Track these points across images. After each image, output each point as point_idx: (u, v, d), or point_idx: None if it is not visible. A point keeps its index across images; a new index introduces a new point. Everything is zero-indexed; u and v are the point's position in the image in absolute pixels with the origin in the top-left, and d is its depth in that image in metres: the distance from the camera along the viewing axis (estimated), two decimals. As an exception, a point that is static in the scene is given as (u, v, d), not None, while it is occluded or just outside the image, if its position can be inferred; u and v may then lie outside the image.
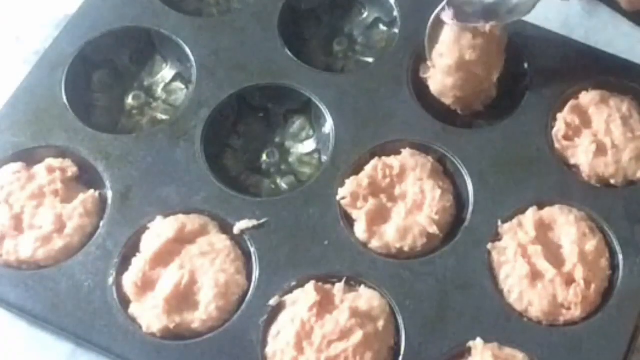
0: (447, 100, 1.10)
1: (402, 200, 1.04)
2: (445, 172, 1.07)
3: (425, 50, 1.09)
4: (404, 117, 1.09)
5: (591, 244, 1.00)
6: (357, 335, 0.94)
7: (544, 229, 1.01)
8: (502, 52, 1.10)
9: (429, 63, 1.10)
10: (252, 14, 1.18)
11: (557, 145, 1.07)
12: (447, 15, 1.07)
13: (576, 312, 0.97)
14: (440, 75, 1.08)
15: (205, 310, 0.98)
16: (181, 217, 1.03)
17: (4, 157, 1.08)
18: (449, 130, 1.08)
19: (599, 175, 1.05)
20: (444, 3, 1.06)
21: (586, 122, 1.07)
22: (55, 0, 1.25)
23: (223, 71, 1.13)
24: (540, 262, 0.99)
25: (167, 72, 1.18)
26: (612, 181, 1.05)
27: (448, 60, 1.07)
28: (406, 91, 1.11)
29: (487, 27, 1.06)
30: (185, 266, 1.00)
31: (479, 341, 0.95)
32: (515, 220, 1.02)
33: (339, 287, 0.98)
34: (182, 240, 1.01)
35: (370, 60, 1.19)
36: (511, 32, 1.13)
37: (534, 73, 1.11)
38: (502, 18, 1.06)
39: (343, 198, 1.03)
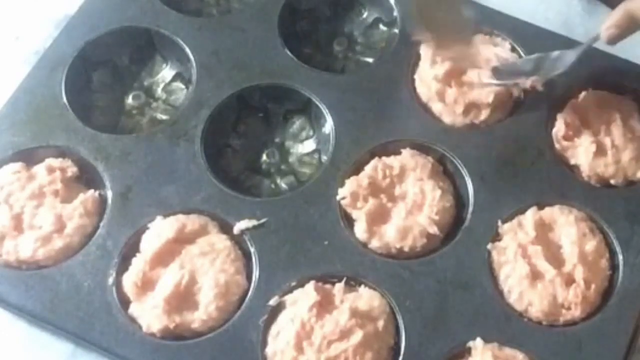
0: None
1: (402, 201, 1.04)
2: (445, 172, 1.07)
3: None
4: (404, 117, 1.09)
5: (591, 244, 1.00)
6: (357, 336, 0.94)
7: (544, 229, 1.01)
8: None
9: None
10: (252, 14, 1.18)
11: (557, 146, 1.07)
12: (485, 75, 1.06)
13: (576, 312, 0.97)
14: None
15: (205, 310, 0.98)
16: (181, 217, 1.03)
17: (4, 157, 1.08)
18: (449, 130, 1.09)
19: (598, 176, 1.05)
20: None
21: (586, 122, 1.07)
22: (55, 0, 1.25)
23: (223, 71, 1.13)
24: (540, 262, 0.99)
25: (167, 72, 1.18)
26: (612, 181, 1.05)
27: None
28: (406, 91, 1.11)
29: (528, 83, 1.06)
30: (185, 266, 1.00)
31: (479, 341, 0.95)
32: (515, 221, 1.02)
33: (339, 287, 0.98)
34: (182, 240, 1.01)
35: (370, 60, 1.19)
36: (511, 33, 1.13)
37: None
38: (544, 73, 1.05)
39: (343, 198, 1.03)
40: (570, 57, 1.04)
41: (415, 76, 1.11)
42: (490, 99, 1.08)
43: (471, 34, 1.07)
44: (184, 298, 0.98)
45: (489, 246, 1.01)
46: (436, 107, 1.09)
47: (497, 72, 1.07)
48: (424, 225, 1.01)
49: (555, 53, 1.06)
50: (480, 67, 1.08)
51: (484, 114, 1.08)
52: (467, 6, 1.06)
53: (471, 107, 1.08)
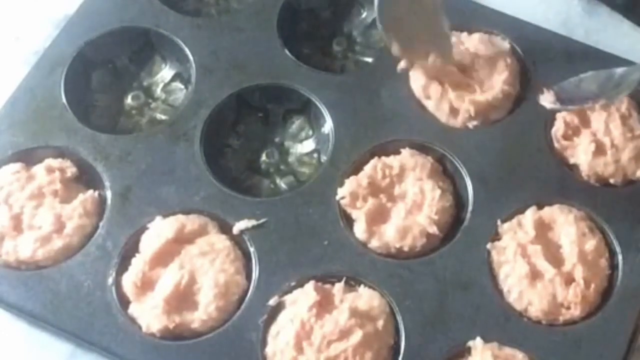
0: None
1: (401, 200, 1.04)
2: (445, 172, 1.07)
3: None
4: (404, 117, 1.09)
5: (591, 244, 1.00)
6: (357, 335, 0.94)
7: (543, 229, 1.01)
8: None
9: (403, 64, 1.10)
10: (251, 14, 1.18)
11: (556, 145, 1.07)
12: (547, 100, 1.04)
13: (576, 312, 0.97)
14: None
15: (205, 310, 0.98)
16: (181, 217, 1.03)
17: (4, 157, 1.08)
18: (449, 130, 1.08)
19: (598, 175, 1.05)
20: None
21: (585, 121, 1.07)
22: (55, 0, 1.25)
23: (222, 71, 1.13)
24: (540, 262, 0.99)
25: (166, 72, 1.18)
26: (612, 181, 1.05)
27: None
28: (406, 91, 1.11)
29: (597, 107, 1.05)
30: (185, 266, 1.00)
31: (478, 341, 0.95)
32: (514, 220, 1.02)
33: (339, 287, 0.98)
34: (181, 240, 1.01)
35: (369, 60, 1.19)
36: (511, 33, 1.13)
37: (533, 73, 1.11)
38: (612, 96, 1.03)
39: (342, 198, 1.03)
40: (636, 76, 1.02)
41: (410, 72, 1.11)
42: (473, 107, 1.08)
43: (449, 48, 1.07)
44: (183, 298, 0.98)
45: (489, 246, 1.01)
46: (429, 105, 1.09)
47: (560, 96, 1.04)
48: (424, 225, 1.01)
49: (619, 71, 1.03)
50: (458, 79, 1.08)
51: (476, 120, 1.08)
52: (445, 21, 1.06)
53: (458, 110, 1.08)
